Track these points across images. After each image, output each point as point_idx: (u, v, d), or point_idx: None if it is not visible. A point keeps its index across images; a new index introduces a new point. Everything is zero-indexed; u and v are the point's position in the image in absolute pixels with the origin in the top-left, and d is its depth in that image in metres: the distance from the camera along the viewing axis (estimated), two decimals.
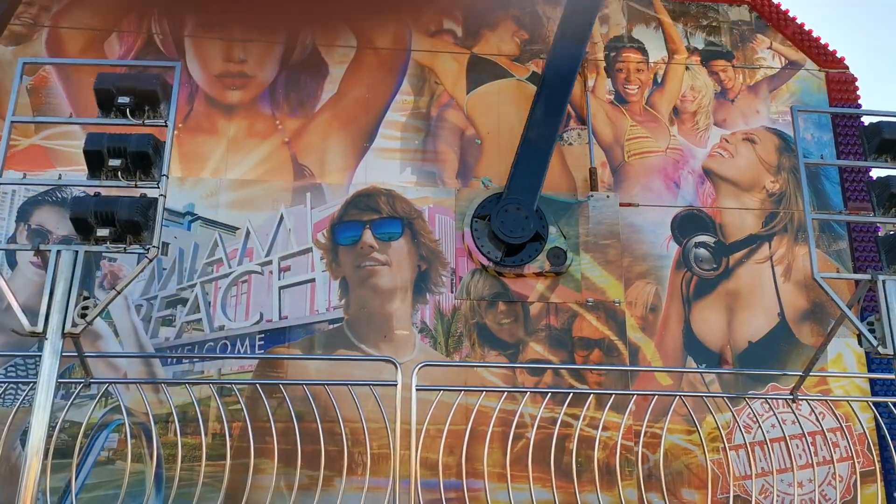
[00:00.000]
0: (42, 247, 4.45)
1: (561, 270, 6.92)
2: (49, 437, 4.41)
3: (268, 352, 6.57)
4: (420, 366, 5.29)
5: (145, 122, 4.59)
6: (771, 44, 8.07)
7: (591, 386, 6.57)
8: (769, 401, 6.08)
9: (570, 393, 5.66)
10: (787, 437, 5.70)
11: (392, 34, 7.58)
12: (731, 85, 7.90)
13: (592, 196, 7.20)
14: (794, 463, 5.68)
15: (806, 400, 5.80)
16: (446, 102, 7.47)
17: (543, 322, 6.84)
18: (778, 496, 5.83)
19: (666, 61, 7.90)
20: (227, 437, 5.29)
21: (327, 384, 5.46)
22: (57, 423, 5.10)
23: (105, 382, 5.51)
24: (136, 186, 4.50)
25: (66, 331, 4.26)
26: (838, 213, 6.62)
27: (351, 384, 5.43)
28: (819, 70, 7.97)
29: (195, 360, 6.51)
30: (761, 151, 7.66)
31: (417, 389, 5.18)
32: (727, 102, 7.83)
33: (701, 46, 8.00)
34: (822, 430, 5.71)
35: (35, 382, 4.38)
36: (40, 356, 4.39)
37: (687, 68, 7.90)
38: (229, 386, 5.97)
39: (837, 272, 6.96)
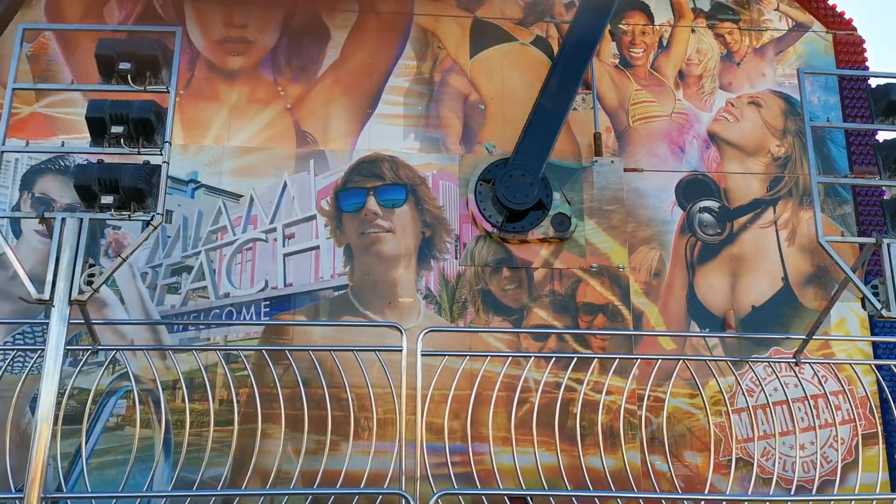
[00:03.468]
0: (47, 214, 4.46)
1: (565, 236, 6.91)
2: (58, 403, 4.46)
3: (273, 318, 6.60)
4: (425, 331, 5.30)
5: (147, 88, 4.56)
6: (778, 5, 7.95)
7: (594, 351, 6.60)
8: (772, 364, 6.10)
9: (573, 357, 5.69)
10: (790, 401, 5.74)
11: None
12: (737, 48, 7.80)
13: (597, 161, 7.15)
14: (797, 426, 5.73)
15: (809, 363, 5.84)
16: (449, 67, 7.40)
17: (547, 288, 6.85)
18: (780, 458, 5.89)
19: (671, 24, 7.80)
20: (235, 402, 5.34)
21: (333, 350, 5.49)
22: (66, 389, 5.14)
23: (113, 349, 5.56)
24: (139, 153, 4.48)
25: (72, 298, 4.29)
26: (844, 177, 6.58)
27: (357, 350, 5.46)
28: (826, 32, 7.86)
29: (201, 327, 6.55)
30: (767, 115, 7.59)
31: (423, 355, 5.20)
32: (733, 66, 7.73)
33: (707, 8, 7.88)
34: (825, 393, 5.75)
35: (43, 350, 4.42)
36: (47, 324, 4.42)
37: (693, 31, 7.80)
38: (235, 352, 6.01)
39: (842, 236, 6.94)
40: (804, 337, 5.63)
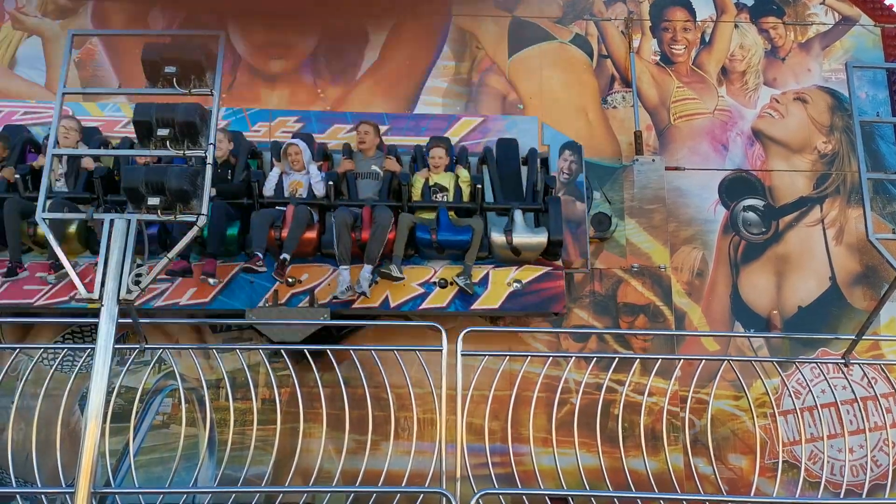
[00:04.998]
0: (96, 215, 4.56)
1: (605, 236, 6.85)
2: (107, 401, 4.55)
3: None
4: (465, 331, 5.30)
5: (191, 91, 4.62)
6: None
7: (636, 352, 6.53)
8: (820, 366, 5.97)
9: (615, 358, 5.62)
10: (839, 403, 5.61)
11: None
12: (781, 43, 7.66)
13: (637, 160, 7.07)
14: (845, 429, 5.59)
15: (858, 364, 5.69)
16: (488, 67, 7.39)
17: (588, 288, 6.79)
18: (828, 462, 5.75)
19: (714, 19, 7.68)
20: (277, 402, 5.39)
21: (374, 349, 5.51)
22: (114, 388, 5.24)
23: (159, 348, 5.65)
24: (184, 155, 4.54)
25: (121, 297, 4.36)
26: (894, 173, 6.41)
27: (397, 349, 5.47)
28: (874, 25, 7.68)
29: (244, 326, 6.62)
30: (813, 111, 7.43)
31: (462, 355, 5.20)
32: (777, 61, 7.59)
33: (750, 3, 7.75)
34: (875, 395, 5.59)
35: (92, 348, 4.51)
36: (96, 323, 4.51)
37: (736, 26, 7.67)
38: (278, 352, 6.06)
39: (893, 233, 6.77)
40: (854, 337, 5.49)
